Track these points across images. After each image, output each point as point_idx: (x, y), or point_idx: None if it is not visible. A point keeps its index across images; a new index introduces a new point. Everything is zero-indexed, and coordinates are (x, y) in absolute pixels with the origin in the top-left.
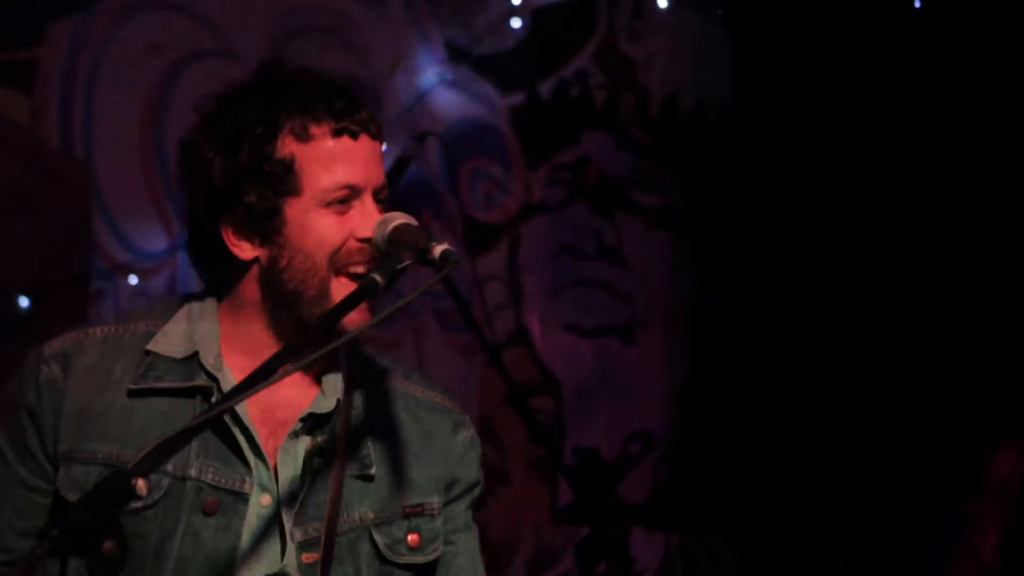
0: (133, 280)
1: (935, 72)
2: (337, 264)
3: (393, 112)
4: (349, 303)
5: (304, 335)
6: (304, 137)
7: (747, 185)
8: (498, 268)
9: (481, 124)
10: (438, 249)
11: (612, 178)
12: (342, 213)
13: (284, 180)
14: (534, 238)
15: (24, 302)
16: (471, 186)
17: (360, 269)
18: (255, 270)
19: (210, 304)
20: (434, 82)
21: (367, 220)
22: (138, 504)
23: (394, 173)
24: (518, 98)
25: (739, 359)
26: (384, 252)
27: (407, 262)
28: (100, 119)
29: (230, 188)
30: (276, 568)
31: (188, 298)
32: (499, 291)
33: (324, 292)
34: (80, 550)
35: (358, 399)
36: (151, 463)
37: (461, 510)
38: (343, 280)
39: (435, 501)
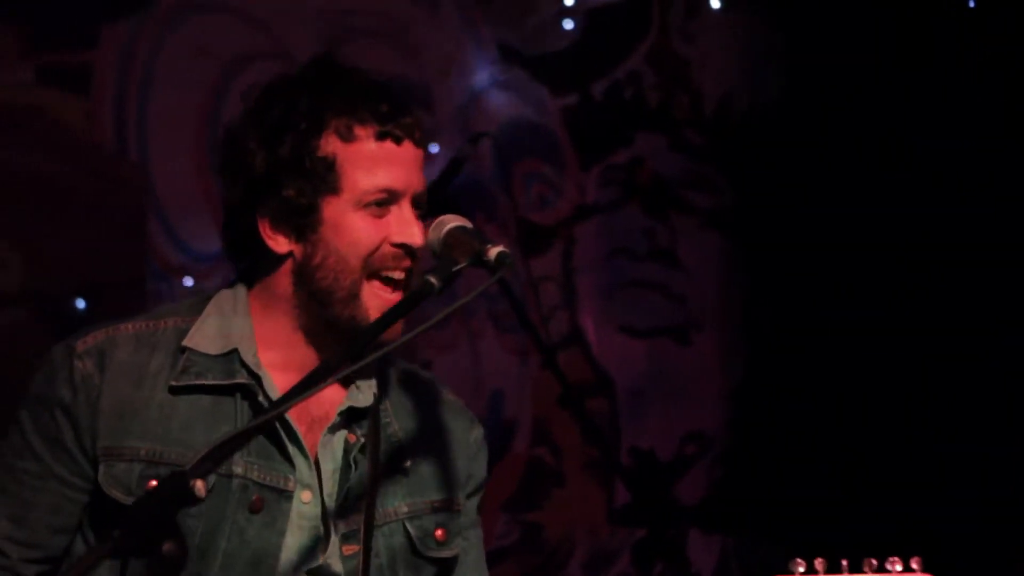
0: (188, 282)
1: (987, 71)
2: (371, 267)
3: (446, 114)
4: (405, 306)
5: (333, 334)
6: (348, 137)
7: (800, 186)
8: (552, 269)
9: (534, 125)
10: (493, 251)
11: (665, 179)
12: (379, 216)
13: (324, 178)
14: (588, 239)
15: (80, 304)
16: (524, 187)
17: (395, 274)
18: (288, 265)
19: (241, 297)
20: (487, 83)
21: (404, 226)
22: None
23: (447, 175)
24: (571, 99)
25: (793, 359)
26: (439, 255)
27: (462, 264)
28: (154, 121)
29: (270, 180)
30: (318, 562)
31: (215, 293)
32: (553, 292)
33: (354, 294)
34: (140, 552)
35: (389, 394)
36: (209, 465)
37: (473, 507)
38: (376, 284)
39: (460, 496)
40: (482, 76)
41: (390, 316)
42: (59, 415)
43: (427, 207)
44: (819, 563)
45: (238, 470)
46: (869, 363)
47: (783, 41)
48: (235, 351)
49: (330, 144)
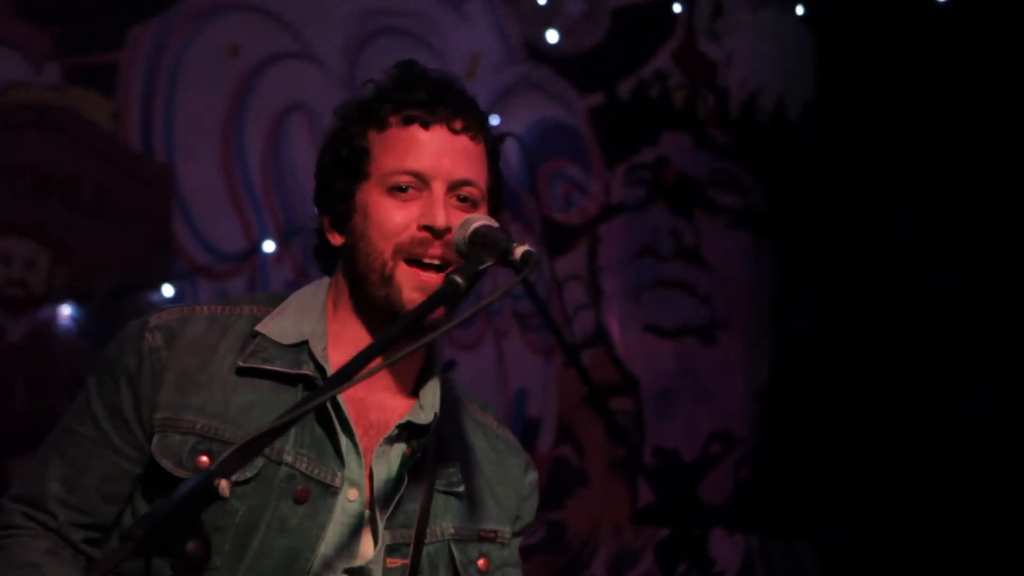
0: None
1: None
2: (402, 251)
3: None
4: (429, 304)
5: (388, 328)
6: (382, 126)
7: (827, 185)
8: (577, 269)
9: (560, 125)
10: (519, 250)
11: (691, 178)
12: (405, 201)
13: (358, 165)
14: (613, 239)
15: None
16: (550, 187)
17: (427, 259)
18: (342, 259)
19: (320, 294)
20: (513, 82)
21: (433, 209)
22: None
23: None
24: (597, 99)
25: (820, 359)
26: (465, 254)
27: (488, 263)
28: (181, 121)
29: (326, 178)
30: (356, 562)
31: (296, 290)
32: (579, 292)
33: (388, 278)
34: (164, 551)
35: (450, 418)
36: (235, 463)
37: (516, 546)
38: (413, 268)
39: (506, 530)
40: (508, 75)
41: (417, 314)
42: (123, 383)
43: (485, 200)
44: None
45: (287, 459)
46: (896, 362)
47: (809, 40)
48: (305, 343)
49: (367, 135)
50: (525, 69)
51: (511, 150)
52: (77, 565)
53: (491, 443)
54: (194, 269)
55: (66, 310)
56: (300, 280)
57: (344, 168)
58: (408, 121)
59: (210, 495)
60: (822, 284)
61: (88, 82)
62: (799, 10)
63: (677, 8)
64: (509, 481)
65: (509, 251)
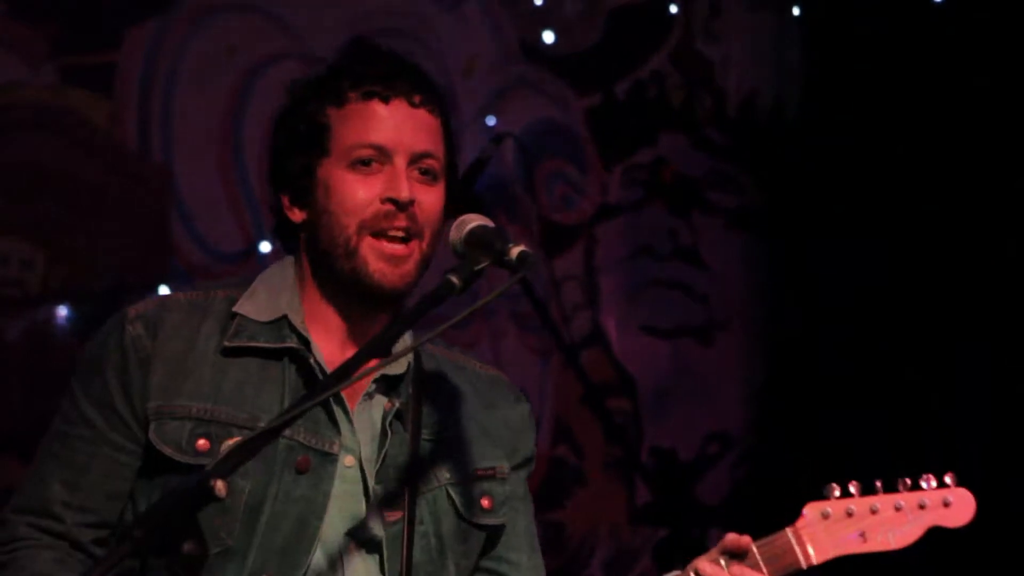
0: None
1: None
2: (365, 226)
3: (469, 114)
4: (425, 306)
5: (359, 301)
6: (341, 102)
7: (824, 186)
8: (575, 269)
9: (557, 125)
10: (515, 251)
11: (689, 179)
12: (368, 174)
13: (317, 141)
14: (610, 239)
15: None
16: (547, 187)
17: (392, 232)
18: (304, 234)
19: (288, 271)
20: (510, 83)
21: (391, 181)
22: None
23: (470, 175)
24: (594, 99)
25: (816, 359)
26: (461, 254)
27: (484, 264)
28: (178, 122)
29: (283, 156)
30: (358, 523)
31: (263, 272)
32: (576, 292)
33: (352, 251)
34: (160, 551)
35: (426, 365)
36: (231, 464)
37: (520, 480)
38: (379, 240)
39: (504, 465)
40: (506, 76)
41: (412, 314)
42: (111, 378)
43: (444, 174)
44: (853, 486)
45: (285, 431)
46: (891, 362)
47: (806, 40)
48: (284, 317)
49: (325, 111)
50: (522, 70)
51: (508, 151)
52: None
53: (475, 384)
54: (191, 269)
55: (62, 310)
56: None
57: (303, 144)
58: (368, 96)
59: (206, 496)
60: (817, 284)
61: (85, 82)
62: (796, 11)
63: (674, 9)
64: (498, 416)
65: (505, 252)
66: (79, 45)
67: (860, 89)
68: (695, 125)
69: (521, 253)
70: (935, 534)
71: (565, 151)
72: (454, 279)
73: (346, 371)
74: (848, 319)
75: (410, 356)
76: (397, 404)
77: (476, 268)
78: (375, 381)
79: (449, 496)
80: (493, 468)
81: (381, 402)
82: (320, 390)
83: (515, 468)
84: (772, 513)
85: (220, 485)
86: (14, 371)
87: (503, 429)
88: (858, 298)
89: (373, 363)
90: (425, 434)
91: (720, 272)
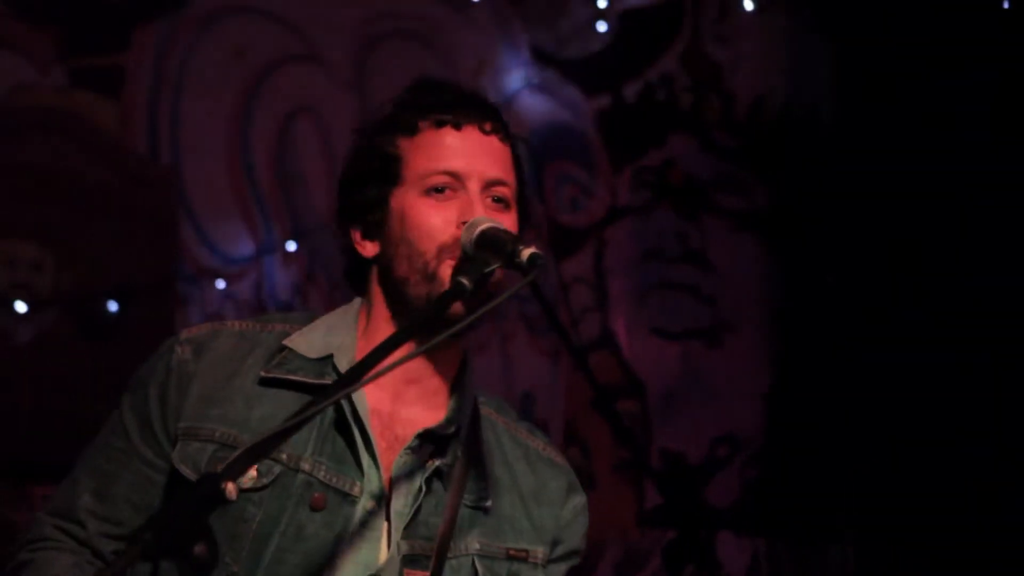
0: (220, 284)
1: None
2: (445, 251)
3: None
4: (437, 307)
5: (426, 337)
6: (411, 131)
7: (832, 188)
8: (584, 271)
9: (566, 127)
10: (526, 252)
11: (697, 181)
12: (443, 200)
13: (389, 172)
14: (619, 241)
15: (112, 306)
16: (556, 189)
17: None
18: (376, 269)
19: (351, 312)
20: (519, 85)
21: (472, 207)
22: (247, 486)
23: None
24: (603, 101)
25: (825, 361)
26: (471, 256)
27: (495, 266)
28: (186, 124)
29: (354, 190)
30: (371, 572)
31: (328, 312)
32: (585, 294)
33: (431, 275)
34: (171, 554)
35: (480, 431)
36: (242, 466)
37: (561, 572)
38: (452, 262)
39: (540, 551)
40: (515, 78)
41: (422, 316)
42: (152, 395)
43: (515, 202)
44: None
45: (305, 467)
46: (901, 364)
47: (816, 43)
48: (330, 356)
49: (396, 142)
50: (531, 72)
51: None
52: None
53: (531, 463)
54: (199, 272)
55: (71, 313)
56: (306, 283)
57: (375, 176)
58: (440, 124)
59: (217, 499)
60: (826, 286)
61: (93, 85)
62: (806, 13)
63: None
64: (546, 502)
65: (516, 253)
66: (87, 47)
67: (869, 90)
68: (704, 127)
69: (531, 255)
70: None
71: (574, 153)
72: (465, 281)
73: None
74: (856, 321)
75: (465, 419)
76: (438, 463)
77: (486, 270)
78: (418, 436)
79: (475, 567)
80: (526, 551)
81: (424, 458)
82: (333, 391)
83: (555, 560)
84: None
85: (231, 487)
86: (23, 373)
87: (549, 517)
88: (866, 299)
89: (424, 419)
90: (465, 500)
91: (729, 274)
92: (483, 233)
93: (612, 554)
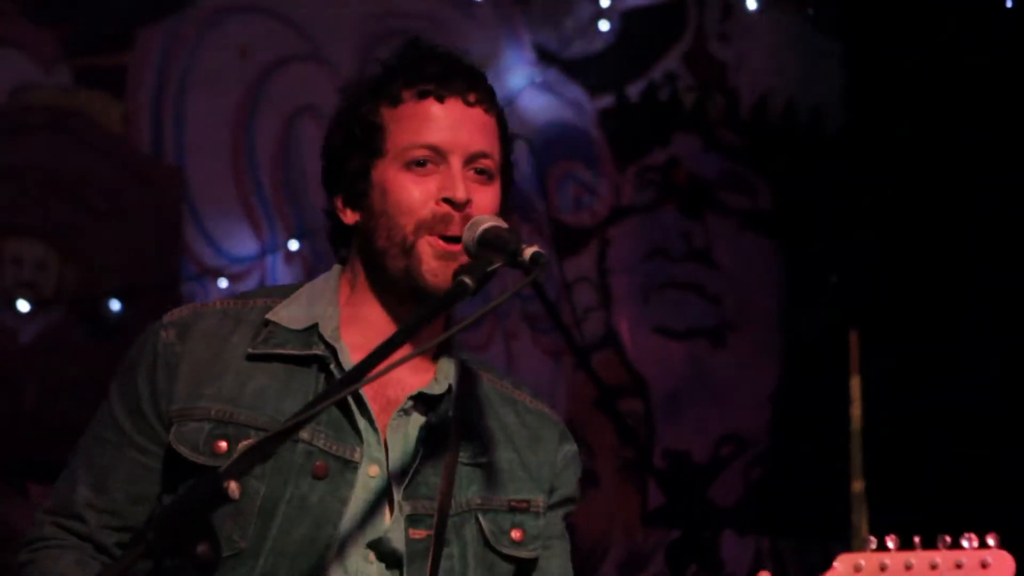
0: (223, 283)
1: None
2: (422, 226)
3: None
4: (438, 306)
5: (408, 308)
6: (395, 102)
7: (836, 186)
8: (587, 271)
9: (570, 127)
10: (528, 252)
11: (701, 180)
12: (423, 175)
13: (372, 142)
14: (623, 240)
15: (116, 305)
16: (560, 189)
17: (449, 231)
18: (357, 237)
19: (332, 279)
20: (523, 85)
21: (453, 182)
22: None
23: None
24: (607, 100)
25: (829, 360)
26: (474, 255)
27: (497, 265)
28: (191, 124)
29: (337, 158)
30: (379, 536)
31: (307, 281)
32: (588, 294)
33: (408, 249)
34: (174, 553)
35: (470, 389)
36: (245, 465)
37: (558, 519)
38: (433, 239)
39: (540, 499)
40: (519, 78)
41: (425, 315)
42: (140, 381)
43: (499, 173)
44: (891, 540)
45: (304, 435)
46: (905, 363)
47: (819, 41)
48: (315, 325)
49: (380, 111)
50: (534, 71)
51: (521, 152)
52: None
53: (521, 416)
54: (204, 271)
55: (76, 312)
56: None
57: (358, 146)
58: (422, 95)
59: (220, 498)
60: (830, 285)
61: (98, 84)
62: (809, 11)
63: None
64: (541, 451)
65: (518, 252)
66: (92, 47)
67: (873, 89)
68: (708, 126)
69: (534, 254)
70: None
71: (578, 152)
72: (467, 280)
73: (364, 369)
74: (861, 319)
75: (451, 377)
76: (433, 423)
77: (489, 269)
78: (412, 398)
79: (478, 522)
80: (527, 501)
81: (418, 419)
82: (339, 387)
83: (552, 507)
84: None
85: (233, 487)
86: (28, 372)
87: (544, 466)
88: (871, 299)
89: (415, 381)
90: (462, 457)
91: (733, 273)
92: (485, 232)
93: (616, 553)
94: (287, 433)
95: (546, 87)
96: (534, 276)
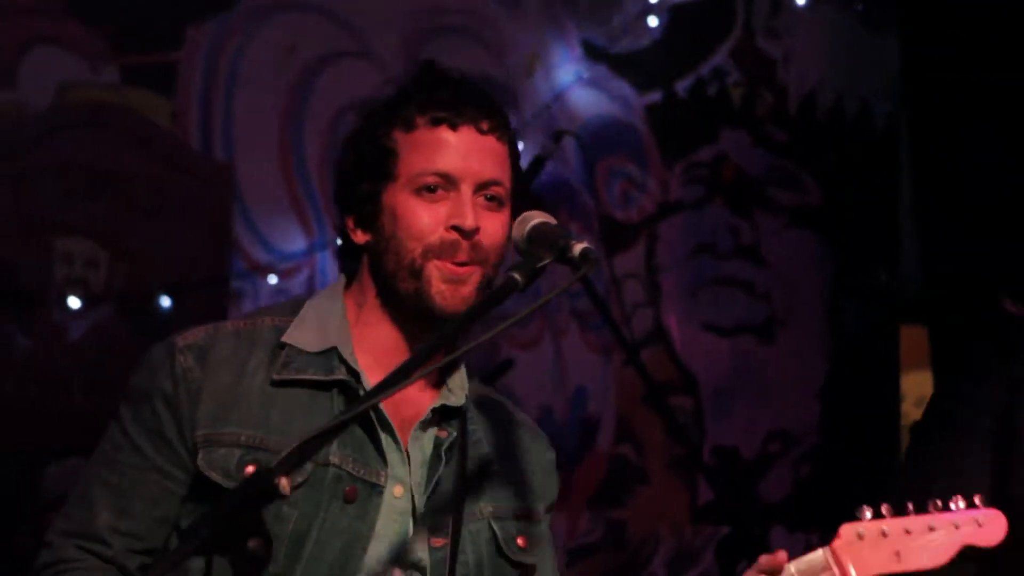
0: (273, 280)
1: None
2: (431, 252)
3: (530, 111)
4: (487, 303)
5: (418, 328)
6: (409, 127)
7: (884, 182)
8: (636, 267)
9: (618, 122)
10: (578, 248)
11: (749, 176)
12: (434, 201)
13: (384, 166)
14: (671, 237)
15: (166, 302)
16: (608, 185)
17: (460, 259)
18: (367, 257)
19: (337, 298)
20: (571, 81)
21: (462, 210)
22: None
23: (530, 172)
24: (655, 96)
25: (878, 356)
26: (524, 251)
27: (547, 261)
28: (239, 120)
29: (349, 179)
30: (404, 547)
31: (310, 296)
32: (637, 290)
33: (417, 271)
34: (225, 549)
35: (479, 401)
36: (294, 461)
37: (547, 524)
38: (441, 264)
39: (540, 508)
40: (566, 74)
41: (474, 312)
42: (160, 407)
43: (509, 199)
44: (885, 508)
45: (334, 460)
46: (951, 360)
47: (867, 36)
48: (334, 349)
49: (393, 135)
50: (582, 67)
51: (569, 148)
52: None
53: (514, 426)
54: (253, 268)
55: (125, 309)
56: None
57: (369, 169)
58: (436, 122)
59: (271, 493)
60: (879, 281)
61: (146, 82)
62: (858, 7)
63: (735, 5)
64: (535, 462)
65: (568, 248)
66: (140, 45)
67: (920, 85)
68: (756, 122)
69: (584, 250)
70: None
71: (626, 148)
72: (517, 276)
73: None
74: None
75: (466, 388)
76: (451, 433)
77: (538, 265)
78: (433, 410)
79: (491, 529)
80: (530, 510)
81: (433, 432)
82: (380, 389)
83: (546, 512)
84: (835, 511)
85: (284, 482)
86: (77, 370)
87: (539, 475)
88: (919, 296)
89: (432, 396)
90: (475, 467)
91: (781, 270)
92: (535, 228)
93: (665, 550)
94: (334, 431)
95: (593, 83)
96: (584, 272)
